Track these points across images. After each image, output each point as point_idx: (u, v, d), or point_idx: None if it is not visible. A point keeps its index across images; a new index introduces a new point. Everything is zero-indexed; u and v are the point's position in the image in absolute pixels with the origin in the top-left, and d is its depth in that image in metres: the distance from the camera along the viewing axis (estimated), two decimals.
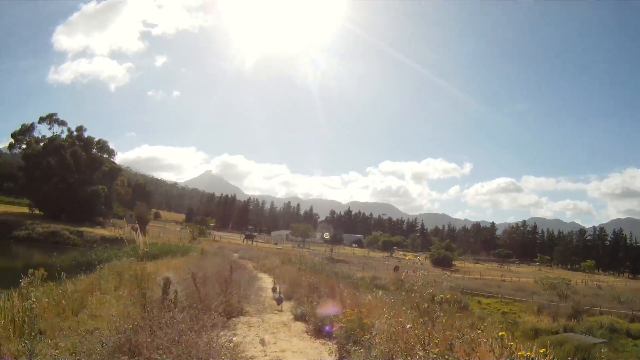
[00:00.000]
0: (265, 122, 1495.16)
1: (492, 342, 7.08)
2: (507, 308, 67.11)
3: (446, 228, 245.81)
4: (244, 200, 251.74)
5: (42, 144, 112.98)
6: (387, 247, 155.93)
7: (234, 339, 11.96)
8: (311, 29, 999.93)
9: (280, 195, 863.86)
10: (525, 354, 6.75)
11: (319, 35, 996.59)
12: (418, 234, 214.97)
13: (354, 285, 33.85)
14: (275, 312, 19.04)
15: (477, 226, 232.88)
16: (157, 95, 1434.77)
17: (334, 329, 13.80)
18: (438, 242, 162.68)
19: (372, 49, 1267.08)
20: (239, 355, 10.60)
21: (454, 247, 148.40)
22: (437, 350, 7.61)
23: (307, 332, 15.55)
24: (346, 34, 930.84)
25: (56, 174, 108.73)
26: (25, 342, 7.95)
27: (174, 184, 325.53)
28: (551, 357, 9.41)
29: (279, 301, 20.86)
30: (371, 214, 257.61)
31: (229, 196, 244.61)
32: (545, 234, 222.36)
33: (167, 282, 13.56)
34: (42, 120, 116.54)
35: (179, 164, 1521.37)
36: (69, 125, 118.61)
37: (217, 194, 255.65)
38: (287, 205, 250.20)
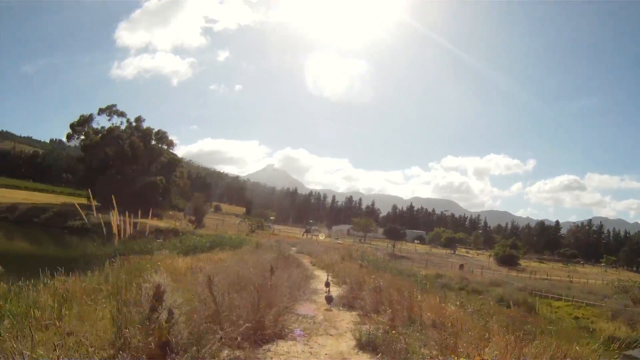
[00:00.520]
0: (327, 116, 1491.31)
1: None
2: (580, 312, 61.06)
3: (509, 226, 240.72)
4: (305, 194, 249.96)
5: (100, 135, 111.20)
6: (449, 244, 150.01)
7: None
8: (372, 21, 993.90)
9: (342, 189, 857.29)
10: None
11: (379, 29, 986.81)
12: (480, 232, 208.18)
13: (423, 287, 29.04)
14: (330, 333, 13.32)
15: (540, 225, 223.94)
16: (220, 90, 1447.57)
17: None
18: (503, 240, 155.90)
19: (431, 43, 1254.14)
20: None
21: (519, 245, 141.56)
22: None
23: None
24: (405, 28, 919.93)
25: (114, 164, 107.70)
26: None
27: (236, 177, 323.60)
28: None
29: (329, 300, 18.32)
30: (433, 210, 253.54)
31: (290, 189, 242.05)
32: (611, 234, 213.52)
33: (158, 292, 8.61)
34: (101, 111, 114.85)
35: (241, 157, 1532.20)
36: (128, 116, 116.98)
37: (279, 187, 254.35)
38: (349, 199, 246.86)
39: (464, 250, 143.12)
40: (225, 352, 9.13)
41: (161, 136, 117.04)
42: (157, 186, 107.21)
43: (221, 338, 8.85)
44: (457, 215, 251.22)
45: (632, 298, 65.59)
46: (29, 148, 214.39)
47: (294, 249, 53.77)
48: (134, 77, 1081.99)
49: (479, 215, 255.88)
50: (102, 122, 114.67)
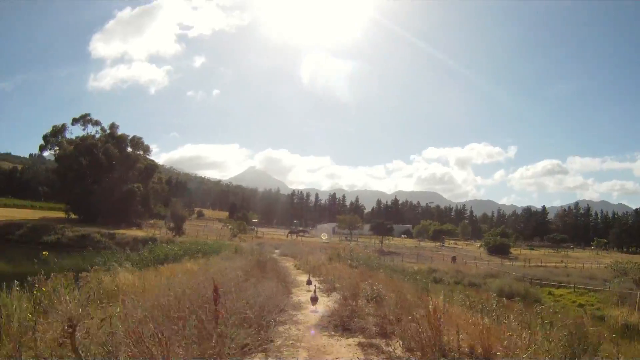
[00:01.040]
0: (307, 115, 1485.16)
1: None
2: (583, 299, 57.83)
3: (495, 214, 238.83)
4: (288, 194, 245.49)
5: (73, 145, 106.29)
6: (437, 236, 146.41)
7: None
8: (346, 21, 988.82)
9: (325, 187, 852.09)
10: None
11: (354, 28, 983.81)
12: (467, 222, 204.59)
13: (424, 286, 25.67)
14: None
15: (527, 211, 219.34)
16: (197, 95, 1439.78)
17: None
18: (492, 229, 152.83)
19: (406, 41, 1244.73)
20: None
21: (508, 233, 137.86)
22: None
23: None
24: (380, 27, 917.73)
25: (89, 174, 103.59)
26: None
27: (218, 182, 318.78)
28: None
29: (314, 301, 16.60)
30: (418, 203, 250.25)
31: (272, 190, 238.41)
32: (599, 216, 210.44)
33: None
34: (75, 121, 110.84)
35: (222, 161, 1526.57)
36: (103, 124, 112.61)
37: (261, 189, 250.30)
38: (332, 197, 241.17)
39: (452, 241, 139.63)
40: None
41: (136, 142, 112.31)
42: (135, 194, 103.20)
43: None
44: (441, 207, 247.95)
45: (635, 280, 62.37)
46: (8, 164, 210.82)
47: (277, 251, 51.12)
48: (112, 88, 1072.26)
49: (464, 205, 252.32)
50: (77, 132, 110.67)
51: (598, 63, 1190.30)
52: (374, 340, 10.98)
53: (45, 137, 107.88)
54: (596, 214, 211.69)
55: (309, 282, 20.47)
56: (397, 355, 9.51)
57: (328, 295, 19.41)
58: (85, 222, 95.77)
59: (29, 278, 9.95)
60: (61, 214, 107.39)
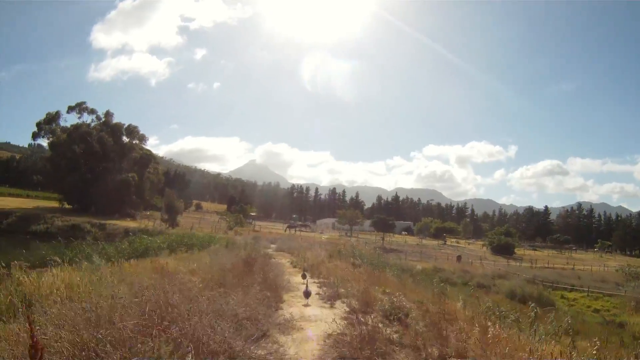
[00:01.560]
0: (308, 110, 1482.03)
1: None
2: (598, 304, 55.06)
3: (496, 213, 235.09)
4: (288, 188, 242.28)
5: (66, 133, 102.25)
6: (438, 234, 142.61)
7: None
8: (349, 17, 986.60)
9: (325, 183, 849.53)
10: None
11: (357, 24, 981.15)
12: (468, 220, 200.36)
13: (442, 291, 20.43)
14: None
15: (529, 211, 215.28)
16: (198, 88, 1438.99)
17: None
18: (496, 228, 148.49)
19: (409, 38, 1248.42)
20: None
21: (512, 232, 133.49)
22: None
23: None
24: (382, 23, 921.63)
25: (83, 163, 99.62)
26: None
27: (217, 175, 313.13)
28: None
29: (307, 295, 15.79)
30: (419, 199, 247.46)
31: (272, 184, 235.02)
32: (602, 218, 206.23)
33: None
34: (70, 109, 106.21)
35: (222, 154, 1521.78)
36: (98, 113, 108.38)
37: (261, 183, 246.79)
38: (332, 192, 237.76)
39: (453, 240, 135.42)
40: None
41: (132, 131, 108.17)
42: (130, 183, 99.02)
43: None
44: (442, 205, 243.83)
45: None
46: (7, 154, 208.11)
47: (273, 246, 47.20)
48: (112, 79, 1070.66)
49: (465, 204, 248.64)
50: (72, 121, 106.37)
51: (600, 63, 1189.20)
52: None
53: (38, 125, 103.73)
54: (599, 215, 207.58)
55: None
56: None
57: (331, 306, 15.10)
58: (79, 212, 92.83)
59: None
60: (55, 204, 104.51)
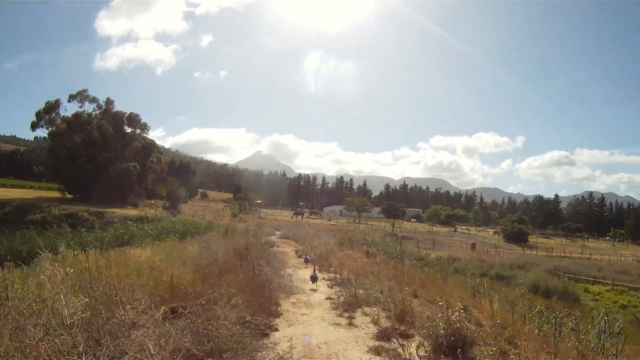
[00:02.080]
0: (314, 100, 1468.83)
1: None
2: (624, 299, 49.64)
3: (505, 201, 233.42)
4: (294, 177, 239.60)
5: (66, 122, 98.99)
6: (448, 221, 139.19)
7: None
8: (356, 4, 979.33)
9: (332, 173, 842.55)
10: None
11: (364, 12, 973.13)
12: (478, 207, 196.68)
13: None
14: None
15: (539, 199, 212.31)
16: (205, 76, 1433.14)
17: None
18: (508, 215, 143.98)
19: (416, 26, 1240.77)
20: None
21: (526, 220, 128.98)
22: None
23: None
24: (390, 10, 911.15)
25: (83, 153, 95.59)
26: None
27: (224, 165, 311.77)
28: None
29: (314, 279, 14.54)
30: (427, 188, 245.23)
31: (278, 173, 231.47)
32: (614, 207, 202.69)
33: None
34: (72, 98, 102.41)
35: (229, 145, 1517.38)
36: (100, 102, 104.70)
37: (267, 172, 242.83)
38: (340, 180, 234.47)
39: (463, 227, 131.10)
40: None
41: (133, 119, 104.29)
42: (131, 173, 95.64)
43: None
44: (451, 193, 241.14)
45: None
46: (12, 147, 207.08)
47: (277, 232, 43.38)
48: (118, 68, 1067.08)
49: (474, 192, 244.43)
50: (74, 110, 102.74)
51: (608, 53, 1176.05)
52: None
53: (38, 114, 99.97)
54: (610, 204, 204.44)
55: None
56: None
57: (350, 323, 10.19)
58: (80, 202, 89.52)
59: None
60: (58, 194, 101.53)
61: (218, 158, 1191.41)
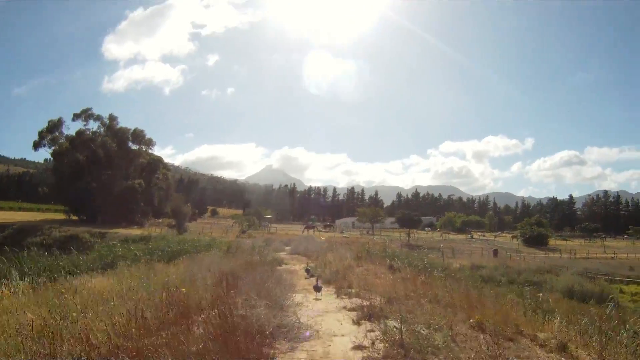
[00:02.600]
0: (322, 113, 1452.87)
1: None
2: None
3: (519, 205, 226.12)
4: (304, 190, 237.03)
5: (69, 140, 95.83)
6: (463, 228, 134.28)
7: None
8: (360, 18, 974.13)
9: (342, 184, 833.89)
10: None
11: (368, 25, 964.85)
12: (492, 213, 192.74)
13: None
14: None
15: (553, 201, 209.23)
16: (212, 94, 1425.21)
17: None
18: (526, 219, 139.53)
19: (418, 38, 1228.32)
20: None
21: (544, 222, 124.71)
22: None
23: None
24: (392, 24, 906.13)
25: (87, 171, 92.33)
26: None
27: (234, 181, 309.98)
28: None
29: (318, 289, 14.43)
30: (440, 195, 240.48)
31: (288, 186, 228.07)
32: (630, 205, 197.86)
33: None
34: (76, 117, 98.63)
35: (239, 160, 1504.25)
36: (104, 119, 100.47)
37: (277, 187, 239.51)
38: (350, 191, 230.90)
39: (479, 233, 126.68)
40: None
41: (138, 135, 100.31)
42: (136, 190, 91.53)
43: None
44: (463, 199, 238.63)
45: None
46: (23, 169, 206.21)
47: (287, 248, 40.30)
48: (126, 90, 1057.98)
49: (487, 197, 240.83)
50: (79, 129, 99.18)
51: (614, 52, 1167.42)
52: None
53: (40, 133, 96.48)
54: (627, 202, 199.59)
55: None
56: None
57: None
58: (85, 223, 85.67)
59: None
60: (63, 216, 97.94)
61: (228, 174, 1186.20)
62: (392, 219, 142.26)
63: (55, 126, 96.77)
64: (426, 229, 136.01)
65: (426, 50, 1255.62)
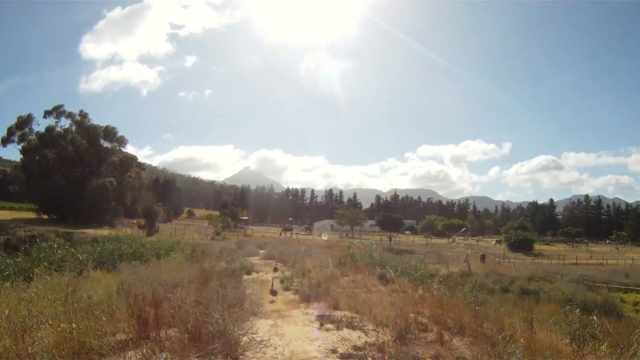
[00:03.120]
0: (300, 114, 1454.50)
1: None
2: None
3: (498, 209, 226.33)
4: (282, 191, 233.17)
5: (37, 137, 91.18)
6: (444, 232, 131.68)
7: None
8: (338, 20, 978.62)
9: (320, 187, 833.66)
10: None
11: (346, 27, 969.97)
12: (472, 217, 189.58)
13: None
14: None
15: (533, 205, 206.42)
16: (190, 96, 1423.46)
17: None
18: (510, 222, 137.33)
19: (396, 40, 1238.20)
20: None
21: (528, 227, 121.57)
22: None
23: None
24: (371, 26, 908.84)
25: (57, 169, 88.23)
26: None
27: (211, 182, 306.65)
28: None
29: (274, 293, 14.12)
30: (419, 198, 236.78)
31: (266, 187, 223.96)
32: (611, 209, 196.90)
33: None
34: (47, 114, 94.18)
35: (216, 162, 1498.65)
36: (76, 117, 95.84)
37: (254, 188, 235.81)
38: (329, 193, 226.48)
39: (460, 238, 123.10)
40: None
41: (109, 133, 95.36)
42: (107, 189, 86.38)
43: None
44: (443, 202, 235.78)
45: None
46: None
47: (261, 252, 35.57)
48: (103, 90, 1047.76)
49: (467, 200, 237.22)
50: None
51: (591, 55, 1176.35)
52: None
53: (9, 129, 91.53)
54: (608, 206, 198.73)
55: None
56: None
57: None
58: (55, 222, 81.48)
59: None
60: (34, 215, 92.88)
61: (206, 175, 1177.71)
62: (371, 222, 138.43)
63: (24, 122, 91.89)
64: (406, 232, 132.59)
65: (407, 52, 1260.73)
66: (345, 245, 43.93)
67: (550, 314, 16.46)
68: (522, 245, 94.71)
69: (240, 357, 7.01)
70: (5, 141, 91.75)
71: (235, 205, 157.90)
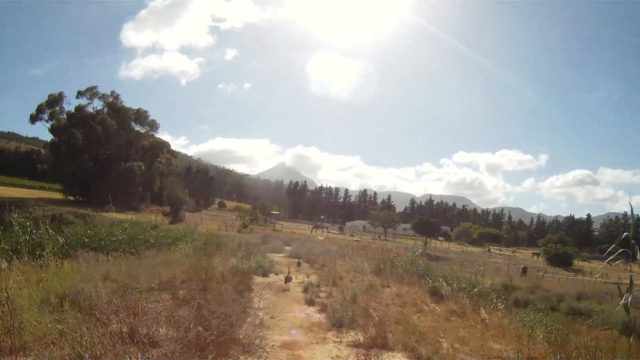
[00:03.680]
0: (337, 114, 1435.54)
1: None
2: None
3: (534, 221, 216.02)
4: (316, 188, 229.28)
5: (67, 116, 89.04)
6: (479, 240, 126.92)
7: None
8: (377, 20, 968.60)
9: (354, 187, 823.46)
10: None
11: (385, 27, 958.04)
12: (508, 227, 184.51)
13: None
14: None
15: (570, 219, 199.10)
16: (229, 88, 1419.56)
17: None
18: (549, 235, 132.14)
19: (437, 41, 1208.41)
20: None
21: (568, 241, 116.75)
22: None
23: None
24: (410, 26, 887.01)
25: (85, 150, 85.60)
26: None
27: (245, 175, 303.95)
28: None
29: (288, 280, 13.46)
30: (454, 204, 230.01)
31: (299, 183, 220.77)
32: None
33: None
34: (80, 94, 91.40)
35: (252, 156, 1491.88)
36: (109, 99, 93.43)
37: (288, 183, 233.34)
38: (363, 194, 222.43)
39: (495, 247, 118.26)
40: None
41: (141, 115, 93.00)
42: (135, 173, 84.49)
43: None
44: (478, 211, 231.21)
45: None
46: (34, 147, 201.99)
47: (287, 248, 33.06)
48: (142, 78, 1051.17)
49: (502, 210, 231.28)
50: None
51: (633, 72, 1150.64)
52: None
53: (39, 107, 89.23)
54: None
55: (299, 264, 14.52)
56: None
57: None
58: (79, 204, 78.79)
59: None
60: (61, 195, 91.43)
61: (241, 168, 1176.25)
62: (405, 225, 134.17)
63: (55, 101, 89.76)
64: (440, 238, 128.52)
65: (445, 52, 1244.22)
66: (379, 248, 40.07)
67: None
68: (561, 260, 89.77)
69: None
70: (34, 118, 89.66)
71: (267, 199, 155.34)
